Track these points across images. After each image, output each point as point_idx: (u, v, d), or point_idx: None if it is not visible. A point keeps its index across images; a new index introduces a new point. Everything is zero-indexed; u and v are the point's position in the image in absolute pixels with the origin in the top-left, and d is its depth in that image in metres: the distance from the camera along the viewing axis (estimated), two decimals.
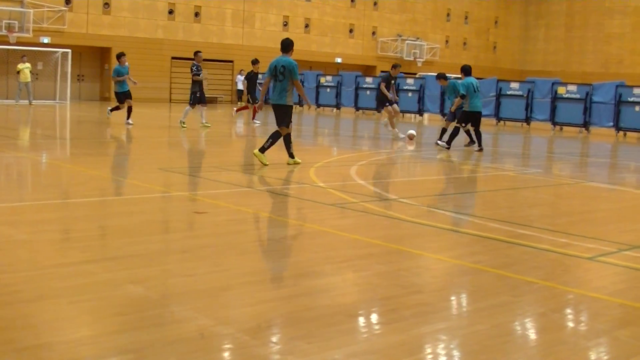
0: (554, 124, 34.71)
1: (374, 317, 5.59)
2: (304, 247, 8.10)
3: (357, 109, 41.82)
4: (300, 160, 15.03)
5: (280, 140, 14.66)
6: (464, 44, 60.85)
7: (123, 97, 24.41)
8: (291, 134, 14.91)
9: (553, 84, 34.98)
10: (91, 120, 28.42)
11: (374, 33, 54.55)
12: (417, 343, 5.00)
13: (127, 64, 24.47)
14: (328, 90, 43.19)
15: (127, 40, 42.40)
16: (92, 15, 41.56)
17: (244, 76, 32.96)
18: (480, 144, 20.13)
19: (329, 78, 43.75)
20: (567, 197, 13.13)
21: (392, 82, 23.45)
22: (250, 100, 28.30)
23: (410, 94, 39.52)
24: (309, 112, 41.70)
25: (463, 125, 20.49)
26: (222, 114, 35.47)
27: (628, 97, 32.02)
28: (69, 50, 39.69)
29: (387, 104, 23.14)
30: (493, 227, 9.60)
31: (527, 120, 35.56)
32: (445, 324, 5.42)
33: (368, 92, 41.00)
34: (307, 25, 50.62)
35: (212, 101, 45.11)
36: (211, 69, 45.09)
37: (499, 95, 36.35)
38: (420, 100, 39.25)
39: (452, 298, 6.25)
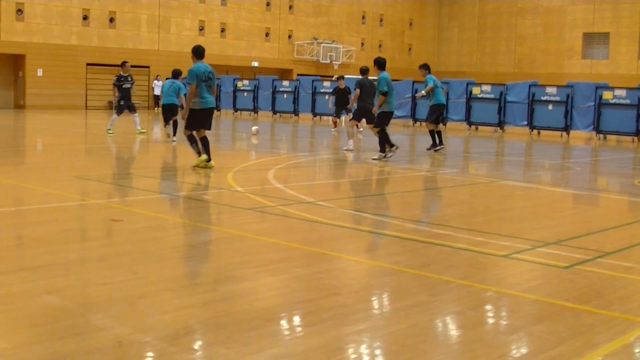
0: (470, 123, 35.14)
1: (293, 321, 5.61)
2: (222, 252, 8.07)
3: (275, 112, 41.78)
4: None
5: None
6: (380, 46, 61.19)
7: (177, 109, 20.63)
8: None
9: (467, 84, 35.43)
10: (5, 129, 27.87)
11: (289, 36, 54.58)
12: (336, 345, 5.02)
13: None
14: (245, 94, 43.00)
15: (41, 47, 41.75)
16: (4, 21, 40.74)
17: (160, 82, 32.54)
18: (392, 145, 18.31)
19: (245, 82, 43.57)
20: (482, 196, 13.31)
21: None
22: (336, 114, 30.37)
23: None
24: (227, 116, 41.48)
25: (384, 129, 18.11)
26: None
27: (541, 96, 32.64)
28: None
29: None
30: (410, 227, 9.70)
31: (443, 120, 35.73)
32: (364, 325, 5.45)
33: (285, 96, 41.07)
34: (223, 30, 50.40)
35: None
36: None
37: (415, 97, 36.63)
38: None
39: (370, 299, 6.29)
